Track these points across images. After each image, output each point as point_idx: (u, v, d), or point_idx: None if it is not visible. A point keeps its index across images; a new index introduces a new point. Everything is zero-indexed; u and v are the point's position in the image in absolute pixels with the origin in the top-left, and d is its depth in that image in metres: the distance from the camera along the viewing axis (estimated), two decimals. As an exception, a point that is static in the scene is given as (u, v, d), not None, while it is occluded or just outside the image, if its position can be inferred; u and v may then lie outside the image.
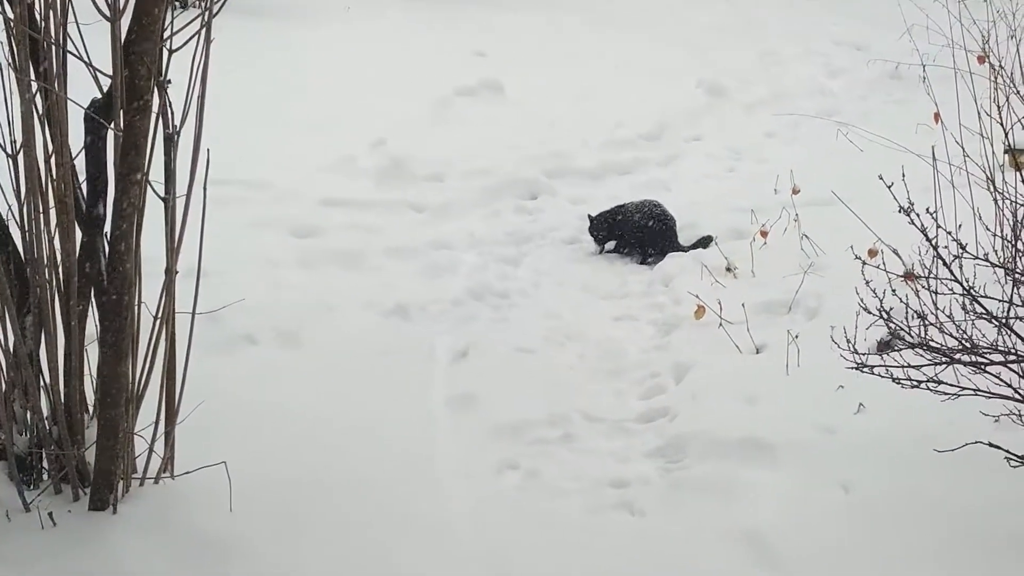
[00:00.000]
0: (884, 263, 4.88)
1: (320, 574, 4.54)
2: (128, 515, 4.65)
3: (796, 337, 6.06)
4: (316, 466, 5.27)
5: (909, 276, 5.08)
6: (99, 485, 4.65)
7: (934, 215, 4.56)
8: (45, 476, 4.85)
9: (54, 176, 4.64)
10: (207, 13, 4.56)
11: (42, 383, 4.73)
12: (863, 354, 4.88)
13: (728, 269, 7.39)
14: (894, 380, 4.62)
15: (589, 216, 8.14)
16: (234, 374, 5.98)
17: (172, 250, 4.76)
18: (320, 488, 5.10)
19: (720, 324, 6.53)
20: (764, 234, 7.48)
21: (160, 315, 4.82)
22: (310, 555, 4.64)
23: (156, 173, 4.62)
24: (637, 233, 8.08)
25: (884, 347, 5.66)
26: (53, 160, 4.63)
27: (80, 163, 4.72)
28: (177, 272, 4.79)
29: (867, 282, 4.90)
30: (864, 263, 4.81)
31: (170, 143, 4.63)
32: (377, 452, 5.49)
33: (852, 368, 4.84)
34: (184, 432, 4.94)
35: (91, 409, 4.88)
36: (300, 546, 4.68)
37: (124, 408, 4.64)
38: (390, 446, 5.58)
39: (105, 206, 4.69)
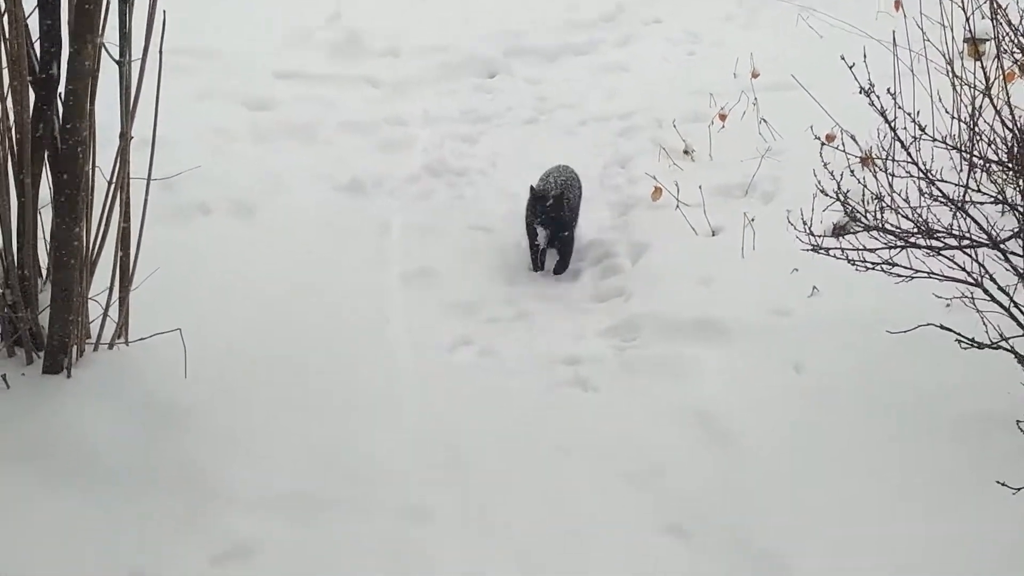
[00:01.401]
0: (844, 146, 4.88)
1: (271, 441, 4.56)
2: (82, 379, 4.63)
3: (752, 220, 6.07)
4: (270, 336, 5.28)
5: (866, 160, 5.08)
6: (53, 348, 4.62)
7: (894, 96, 4.55)
8: (-2, 340, 4.82)
9: (7, 35, 4.52)
10: None
11: (-5, 246, 4.67)
12: (819, 236, 4.89)
13: (685, 152, 7.36)
14: (849, 262, 4.64)
15: (532, 189, 6.38)
16: (188, 243, 5.94)
17: (127, 114, 4.69)
18: (273, 358, 5.12)
19: (677, 206, 6.52)
20: (723, 117, 7.44)
21: (115, 180, 4.76)
22: (262, 423, 4.66)
23: (111, 35, 4.54)
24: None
25: (840, 231, 5.69)
26: (5, 19, 4.51)
27: (33, 23, 4.60)
28: (132, 138, 4.73)
29: (824, 164, 4.90)
30: (823, 144, 4.80)
31: (125, 3, 4.54)
32: (331, 325, 5.50)
33: (807, 250, 4.84)
34: (138, 299, 4.91)
35: (44, 273, 4.82)
36: (252, 414, 4.70)
37: (78, 272, 4.59)
38: (344, 319, 5.60)
39: (59, 67, 4.59)
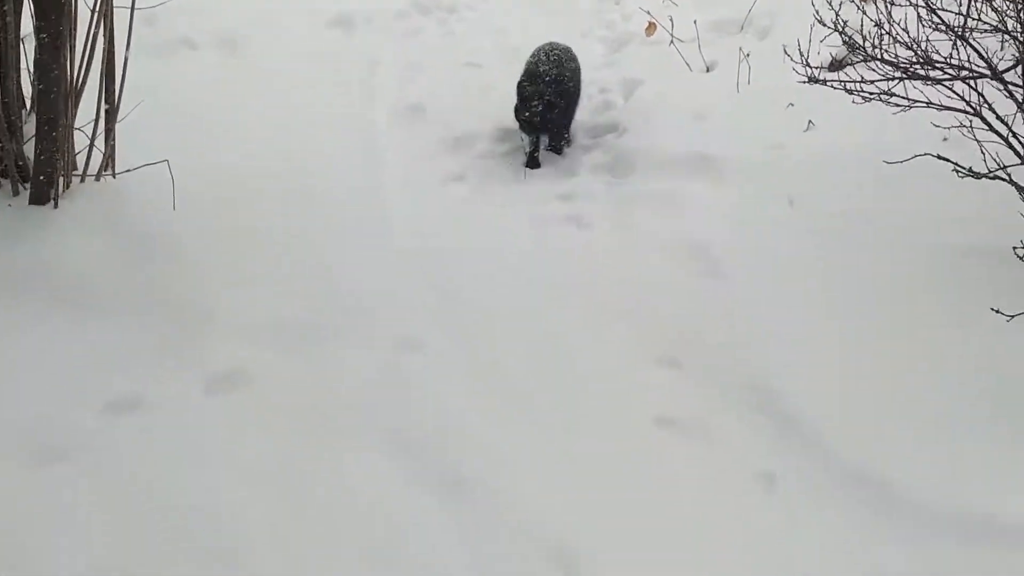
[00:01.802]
0: (844, -27, 4.79)
1: (262, 271, 4.53)
2: (69, 210, 4.58)
3: (748, 55, 5.99)
4: (258, 171, 5.21)
5: (865, -7, 4.99)
6: (39, 179, 4.55)
7: (896, -78, 4.45)
8: (-17, 172, 4.75)
9: None
10: None
11: (-24, 77, 4.58)
12: (816, 67, 4.82)
13: (680, -13, 7.22)
14: (847, 91, 4.58)
15: (521, 86, 5.70)
16: (174, 77, 5.85)
17: (109, -61, 4.56)
18: (262, 191, 5.06)
19: (671, 42, 6.42)
20: (719, -48, 7.29)
21: (97, 9, 4.65)
22: (253, 253, 4.63)
23: None
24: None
25: (837, 66, 5.61)
26: None
27: None
28: (113, -36, 4.61)
29: (823, -7, 4.82)
30: (822, -26, 4.71)
31: None
32: (320, 161, 5.44)
33: (804, 82, 4.78)
34: (125, 131, 4.84)
35: (28, 104, 4.74)
36: (243, 245, 4.65)
37: (62, 101, 4.51)
38: (333, 156, 5.53)
39: None
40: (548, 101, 5.54)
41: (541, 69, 5.65)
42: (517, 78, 5.75)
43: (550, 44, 5.85)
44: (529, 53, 5.98)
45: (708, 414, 3.94)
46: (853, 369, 4.06)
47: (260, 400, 3.89)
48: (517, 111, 5.59)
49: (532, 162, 5.67)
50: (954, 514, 3.51)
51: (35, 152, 4.53)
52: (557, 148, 5.75)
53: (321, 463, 3.63)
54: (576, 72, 5.78)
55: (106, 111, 4.76)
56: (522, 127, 5.62)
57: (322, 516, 3.44)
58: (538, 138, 5.69)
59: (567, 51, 5.82)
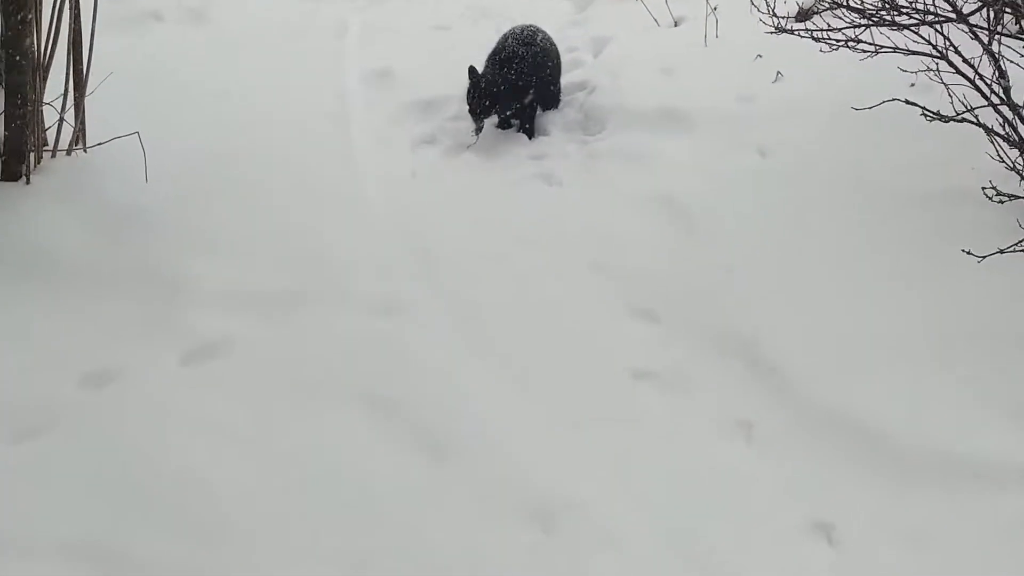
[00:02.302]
0: (807, -79, 4.80)
1: (237, 240, 4.53)
2: (41, 185, 4.58)
3: (715, 9, 5.99)
4: (229, 141, 5.20)
5: (829, -59, 4.99)
6: (9, 155, 4.54)
7: None
8: (-48, 150, 4.73)
9: None
10: None
11: (-57, 53, 4.55)
12: (783, 18, 4.83)
13: (645, -58, 7.20)
14: (814, 40, 4.60)
15: (471, 71, 5.47)
16: (142, 50, 5.83)
17: (71, -91, 4.54)
18: (234, 162, 5.05)
19: (638, -2, 6.41)
20: (681, -95, 7.27)
21: (63, -18, 4.64)
22: (227, 222, 4.63)
23: None
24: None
25: (804, 15, 5.63)
26: None
27: None
28: (77, -62, 4.59)
29: (789, -57, 4.84)
30: (786, -79, 4.71)
31: None
32: (291, 127, 5.44)
33: (772, 33, 4.80)
34: (94, 105, 4.83)
35: (-4, 80, 4.73)
36: (217, 214, 4.66)
37: (31, 76, 4.49)
38: (304, 121, 5.53)
39: None
40: (487, 102, 5.45)
41: (507, 49, 5.54)
42: (486, 39, 5.74)
43: (517, 31, 5.67)
44: (497, 15, 5.95)
45: (685, 365, 3.97)
46: (828, 315, 4.09)
47: (239, 367, 3.91)
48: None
49: (503, 123, 5.65)
50: (930, 455, 3.55)
51: (4, 128, 4.52)
52: (529, 128, 5.64)
53: (301, 427, 3.66)
54: (536, 64, 5.57)
55: (74, 85, 4.74)
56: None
57: (302, 479, 3.47)
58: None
59: (529, 40, 5.61)
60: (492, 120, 5.59)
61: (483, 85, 5.41)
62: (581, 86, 5.88)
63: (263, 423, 3.66)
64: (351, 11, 6.75)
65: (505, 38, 5.64)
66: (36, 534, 3.25)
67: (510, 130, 5.62)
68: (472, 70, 5.43)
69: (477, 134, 5.48)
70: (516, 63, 5.48)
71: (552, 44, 5.72)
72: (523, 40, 5.57)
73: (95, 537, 3.24)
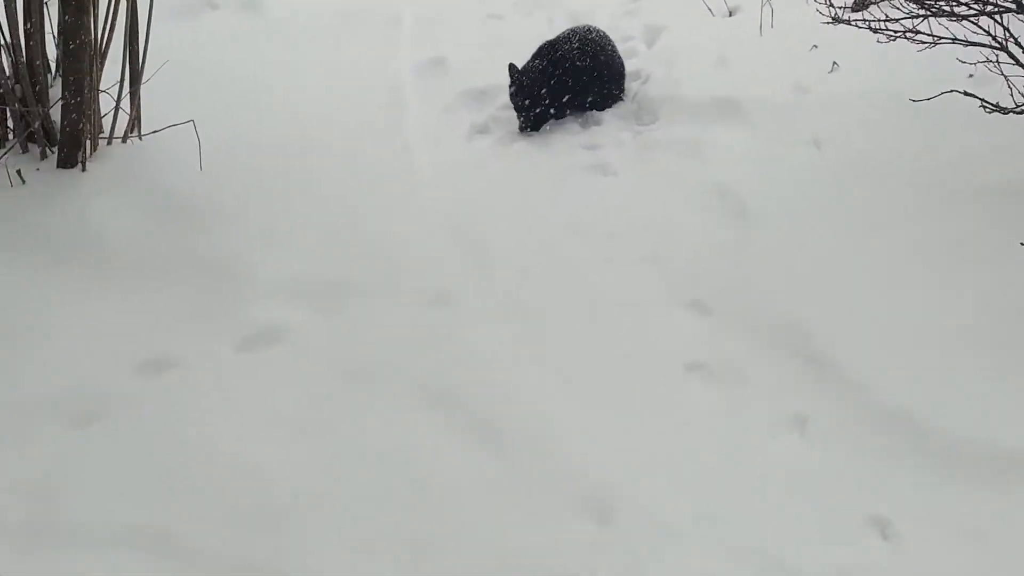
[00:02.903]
0: (866, -88, 4.76)
1: (291, 229, 4.54)
2: (97, 173, 4.61)
3: (770, -2, 5.96)
4: (284, 129, 5.23)
5: (889, -68, 4.94)
6: (66, 142, 4.58)
7: None
8: (10, 137, 4.77)
9: None
10: None
11: (2, 41, 4.59)
12: (839, 8, 4.79)
13: (700, -68, 7.17)
14: (871, 30, 4.54)
15: (511, 68, 5.56)
16: (197, 38, 5.88)
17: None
18: (288, 151, 5.07)
19: (692, -13, 6.38)
20: None
21: (120, -31, 4.67)
22: (281, 212, 4.64)
23: None
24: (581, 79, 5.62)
25: (860, 5, 5.57)
26: None
27: None
28: (134, -74, 4.62)
29: (847, -68, 4.80)
30: (845, -88, 4.67)
31: None
32: (344, 116, 5.45)
33: (828, 23, 4.75)
34: (150, 93, 4.87)
35: (54, 68, 4.76)
36: (270, 203, 4.67)
37: (88, 63, 4.52)
38: (358, 110, 5.53)
39: None
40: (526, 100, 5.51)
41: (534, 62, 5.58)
42: (538, 29, 5.72)
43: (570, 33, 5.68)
44: (551, 4, 5.93)
45: (739, 358, 3.94)
46: (884, 308, 4.04)
47: (293, 356, 3.92)
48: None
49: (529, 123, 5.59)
50: (988, 451, 3.51)
51: (61, 116, 4.56)
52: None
53: (355, 415, 3.67)
54: (583, 58, 5.59)
55: (130, 74, 4.78)
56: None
57: (357, 467, 3.48)
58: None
59: (583, 40, 5.62)
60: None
61: (525, 83, 5.47)
62: (635, 76, 5.85)
63: (318, 411, 3.68)
64: (404, 1, 6.74)
65: (553, 45, 5.63)
66: (94, 520, 3.28)
67: (563, 120, 5.59)
68: (512, 68, 5.47)
69: (525, 129, 5.48)
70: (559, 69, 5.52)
71: (604, 49, 5.67)
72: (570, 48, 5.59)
73: (151, 523, 3.27)
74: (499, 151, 5.37)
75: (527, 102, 5.48)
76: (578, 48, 5.56)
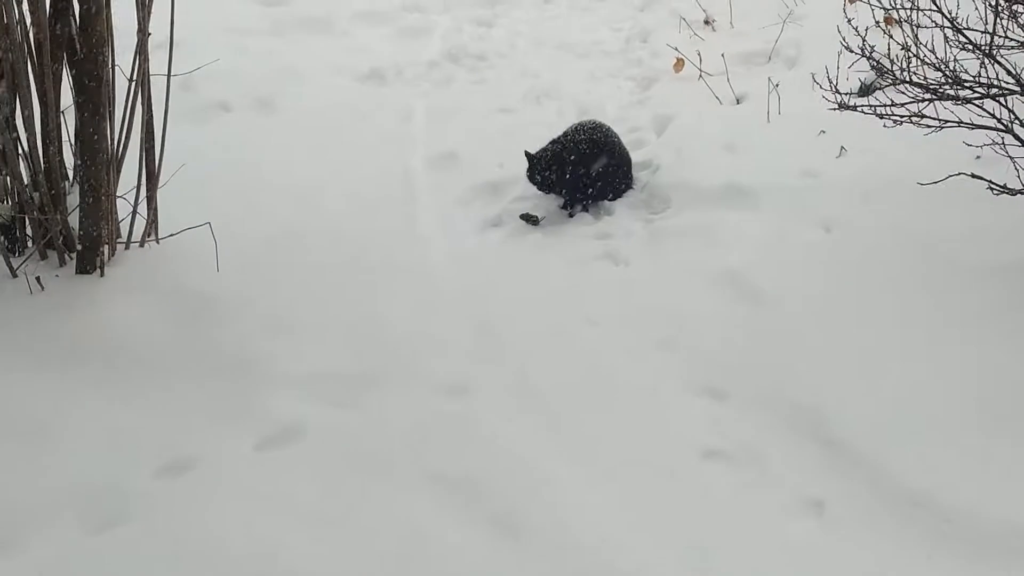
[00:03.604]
0: (869, 1, 4.82)
1: (307, 324, 4.57)
2: (116, 277, 4.67)
3: (777, 86, 6.02)
4: (299, 224, 5.31)
5: (889, 19, 5.01)
6: (85, 248, 4.64)
7: (917, -58, 4.49)
8: (30, 244, 4.83)
9: (19, -65, 4.49)
10: None
11: (20, 150, 4.67)
12: (845, 94, 4.85)
13: (706, 22, 7.29)
14: (878, 116, 4.60)
15: (527, 155, 5.72)
16: (211, 139, 5.96)
17: (144, 8, 4.66)
18: (303, 246, 5.15)
19: (700, 76, 6.47)
20: (743, -15, 7.37)
21: (135, 78, 4.75)
22: (297, 307, 4.68)
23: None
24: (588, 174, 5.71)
25: (866, 91, 5.64)
26: (16, -81, 4.48)
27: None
28: (150, 34, 4.70)
29: (848, 20, 4.86)
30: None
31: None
32: (358, 210, 5.53)
33: (834, 109, 4.81)
34: (166, 196, 4.94)
35: (71, 175, 4.83)
36: (287, 300, 4.72)
37: (105, 170, 4.60)
38: (371, 204, 5.62)
39: (73, -35, 4.56)
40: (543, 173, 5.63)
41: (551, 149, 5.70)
42: (549, 121, 5.82)
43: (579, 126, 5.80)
44: (561, 96, 6.02)
45: (754, 442, 3.93)
46: (900, 388, 4.04)
47: (313, 450, 3.93)
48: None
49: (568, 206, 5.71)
50: (1009, 533, 3.47)
51: (79, 222, 4.62)
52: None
53: (375, 507, 3.67)
54: (585, 149, 5.68)
55: (147, 178, 4.85)
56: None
57: (378, 559, 3.47)
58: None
59: (588, 135, 5.72)
60: (557, 201, 5.65)
61: (544, 158, 5.60)
62: (645, 165, 5.91)
63: (338, 505, 3.68)
64: (416, 96, 6.86)
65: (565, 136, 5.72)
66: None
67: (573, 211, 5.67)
68: (528, 154, 5.59)
69: (534, 223, 5.57)
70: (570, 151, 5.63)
71: (609, 142, 5.75)
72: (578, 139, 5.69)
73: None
74: (512, 243, 5.43)
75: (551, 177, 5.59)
76: (585, 144, 5.64)
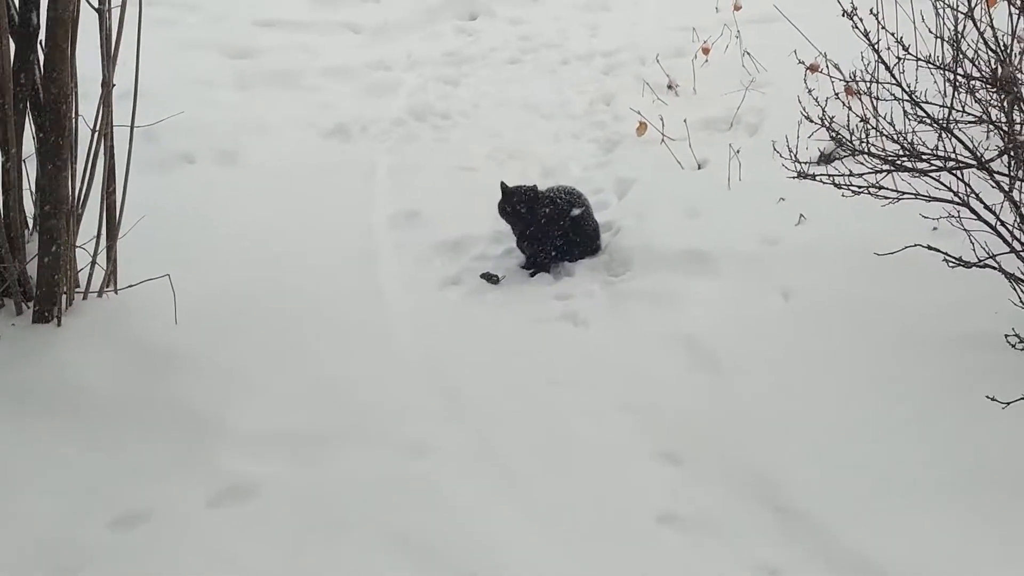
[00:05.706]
0: (828, 70, 4.88)
1: (265, 380, 4.57)
2: (73, 327, 4.65)
3: (738, 152, 6.07)
4: (259, 279, 5.30)
5: (849, 90, 5.08)
6: (42, 297, 4.62)
7: (877, 16, 4.54)
8: (-14, 292, 4.81)
9: (-17, -15, 4.50)
10: None
11: (-22, 199, 4.66)
12: (805, 162, 4.90)
13: (669, 87, 7.35)
14: (836, 186, 4.65)
15: (503, 186, 5.71)
16: (173, 191, 5.96)
17: (109, 60, 4.67)
18: (263, 300, 5.14)
19: (662, 141, 6.51)
20: (706, 51, 7.43)
21: (98, 129, 4.75)
22: (255, 362, 4.67)
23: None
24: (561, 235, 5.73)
25: (825, 160, 5.70)
26: (-18, -33, 4.49)
27: (10, -29, 4.58)
28: (114, 85, 4.71)
29: (809, 90, 4.92)
30: (807, 70, 4.80)
31: (102, -52, 4.53)
32: (319, 266, 5.53)
33: (794, 177, 4.85)
34: (126, 247, 4.93)
35: (31, 223, 4.81)
36: (245, 354, 4.70)
37: (64, 220, 4.58)
38: (332, 260, 5.61)
39: (39, 16, 4.57)
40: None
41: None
42: (512, 181, 5.85)
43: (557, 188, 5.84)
44: (523, 156, 6.09)
45: (710, 509, 3.94)
46: (854, 458, 4.06)
47: (267, 509, 3.92)
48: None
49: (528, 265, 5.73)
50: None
51: (37, 271, 4.60)
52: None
53: (332, 570, 3.65)
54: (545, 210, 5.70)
55: (107, 228, 4.84)
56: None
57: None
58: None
59: (567, 195, 5.78)
60: (518, 261, 5.68)
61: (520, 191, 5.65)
62: (606, 227, 5.93)
63: (293, 566, 3.66)
64: (379, 152, 6.88)
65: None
66: None
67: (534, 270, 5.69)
68: (504, 185, 5.64)
69: (494, 282, 5.59)
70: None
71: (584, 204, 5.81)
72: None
73: None
74: (472, 301, 5.43)
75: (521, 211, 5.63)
76: (562, 199, 5.70)
